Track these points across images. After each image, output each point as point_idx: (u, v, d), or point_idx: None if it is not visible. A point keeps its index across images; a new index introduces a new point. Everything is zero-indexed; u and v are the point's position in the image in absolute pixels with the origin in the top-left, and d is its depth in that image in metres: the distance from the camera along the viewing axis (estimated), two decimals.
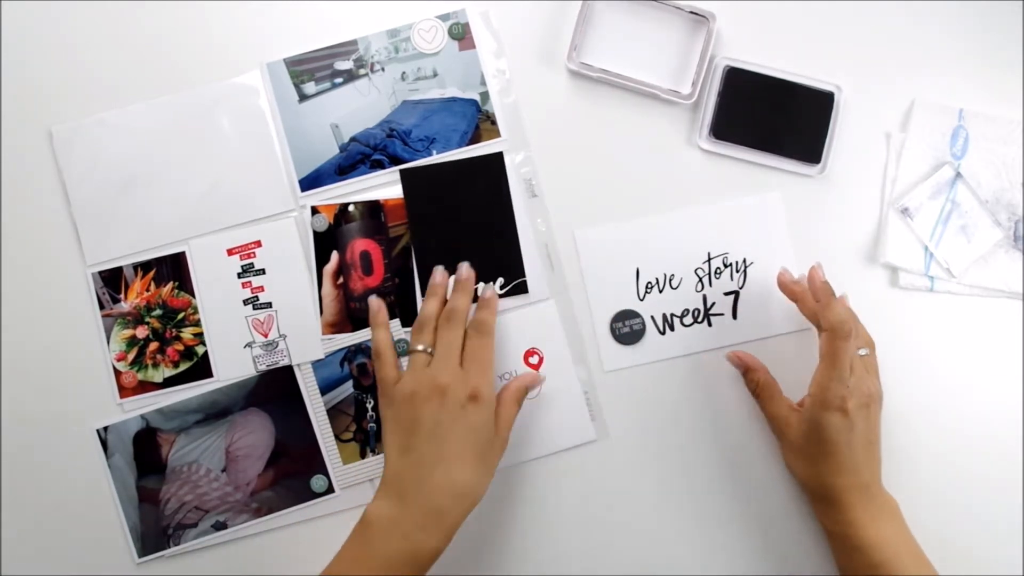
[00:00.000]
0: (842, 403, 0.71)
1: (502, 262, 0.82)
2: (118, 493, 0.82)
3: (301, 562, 0.81)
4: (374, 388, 0.81)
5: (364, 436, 0.82)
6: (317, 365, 0.82)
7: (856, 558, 0.73)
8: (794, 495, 0.81)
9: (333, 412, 0.82)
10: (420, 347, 0.75)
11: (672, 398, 0.82)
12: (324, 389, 0.82)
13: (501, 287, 0.82)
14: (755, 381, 0.79)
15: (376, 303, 0.79)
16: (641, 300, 0.82)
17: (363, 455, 0.82)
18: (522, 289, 0.82)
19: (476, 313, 0.77)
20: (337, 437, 0.82)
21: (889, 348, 0.81)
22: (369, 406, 0.82)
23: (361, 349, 0.82)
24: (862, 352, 0.76)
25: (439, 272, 0.79)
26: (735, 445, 0.81)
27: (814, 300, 0.75)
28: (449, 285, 0.79)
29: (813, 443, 0.73)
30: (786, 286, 0.79)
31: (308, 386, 0.82)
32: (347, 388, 0.82)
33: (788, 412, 0.77)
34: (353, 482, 0.82)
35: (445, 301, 0.78)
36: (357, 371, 0.82)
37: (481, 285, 0.81)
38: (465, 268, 0.79)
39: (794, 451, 0.76)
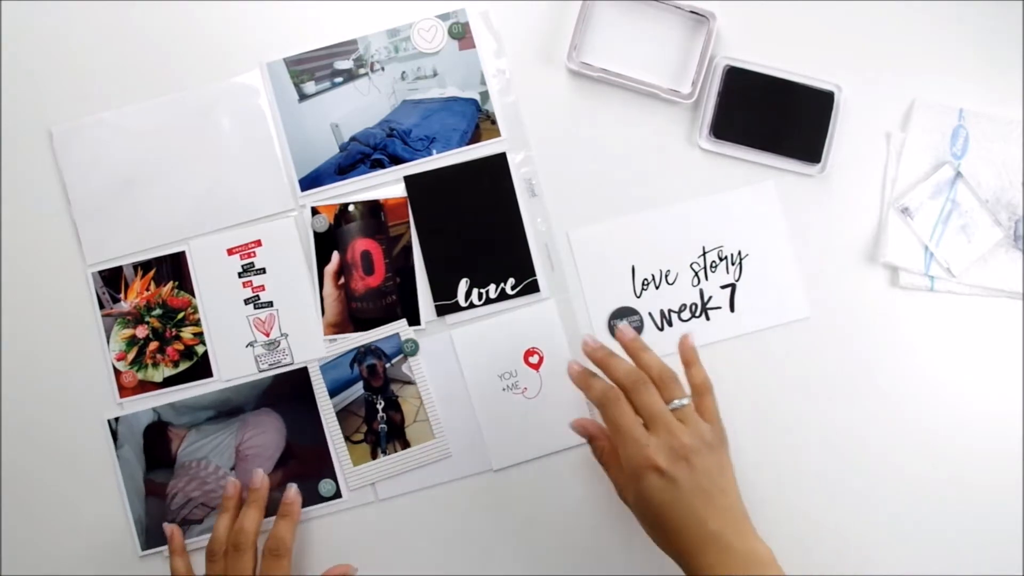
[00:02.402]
0: (650, 463, 0.67)
1: (511, 262, 0.82)
2: (125, 485, 0.82)
3: (304, 562, 0.82)
4: (384, 389, 0.81)
5: (375, 437, 0.82)
6: (327, 367, 0.82)
7: None
8: (798, 490, 0.81)
9: (343, 414, 0.82)
10: None
11: None
12: (334, 391, 0.82)
13: (512, 287, 0.82)
14: (600, 449, 0.75)
15: (168, 531, 0.80)
16: (638, 297, 0.82)
17: (374, 455, 0.82)
18: (533, 288, 0.82)
19: (273, 528, 0.78)
20: (347, 438, 0.82)
21: (889, 348, 0.82)
22: (379, 407, 0.82)
23: (371, 350, 0.82)
24: (675, 404, 0.70)
25: (231, 485, 0.80)
26: (736, 440, 0.81)
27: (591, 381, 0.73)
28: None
29: (644, 510, 0.69)
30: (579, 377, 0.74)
31: (318, 388, 0.82)
32: (357, 390, 0.82)
33: (620, 475, 0.73)
34: (363, 483, 0.82)
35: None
36: (367, 372, 0.82)
37: (290, 489, 0.80)
38: (259, 477, 0.80)
39: (640, 519, 0.71)
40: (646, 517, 0.70)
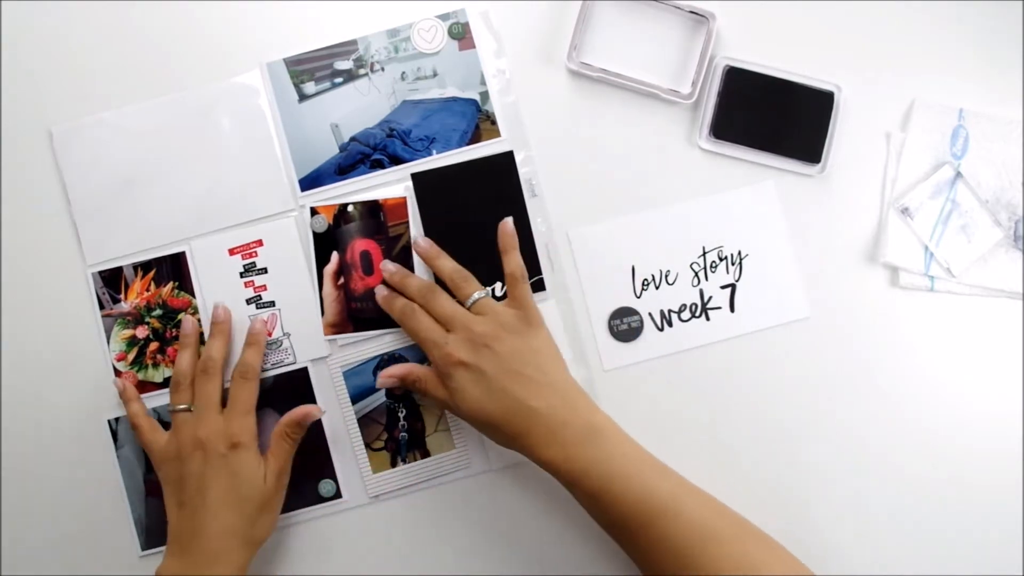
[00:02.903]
0: (454, 359, 0.71)
1: None
2: (126, 485, 0.82)
3: (305, 563, 0.82)
4: (406, 397, 0.82)
5: (396, 445, 0.82)
6: (349, 374, 0.82)
7: (581, 494, 0.70)
8: (798, 485, 0.81)
9: (364, 420, 0.82)
10: (181, 407, 0.77)
11: (672, 395, 0.82)
12: (356, 398, 0.82)
13: None
14: (414, 381, 0.76)
15: (120, 384, 0.80)
16: (638, 297, 0.82)
17: (394, 464, 0.82)
18: (539, 287, 0.82)
19: (242, 355, 0.79)
20: (368, 445, 0.82)
21: (889, 348, 0.82)
22: (401, 415, 0.82)
23: (395, 358, 0.82)
24: (470, 301, 0.75)
25: (188, 321, 0.80)
26: (736, 440, 0.81)
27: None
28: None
29: (470, 413, 0.72)
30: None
31: (340, 395, 0.82)
32: (379, 397, 0.82)
33: (438, 386, 0.75)
34: (384, 491, 0.82)
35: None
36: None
37: (256, 321, 0.81)
38: (221, 310, 0.80)
39: (476, 428, 0.74)
40: (473, 417, 0.72)
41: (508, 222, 0.78)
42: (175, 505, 0.75)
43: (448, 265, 0.78)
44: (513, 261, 0.77)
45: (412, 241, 0.79)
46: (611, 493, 0.68)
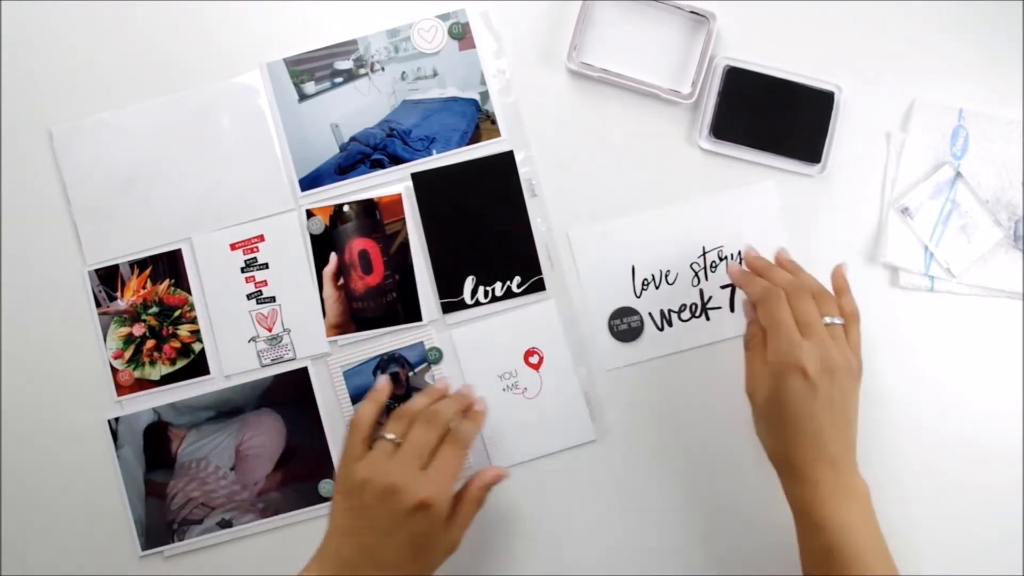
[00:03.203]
0: (799, 364, 0.68)
1: (518, 261, 0.82)
2: (125, 485, 0.82)
3: (305, 563, 0.81)
4: (406, 398, 0.82)
5: (395, 446, 0.81)
6: (349, 373, 0.82)
7: (814, 538, 0.69)
8: None
9: None
10: (389, 436, 0.73)
11: (672, 395, 0.82)
12: (356, 398, 0.82)
13: (518, 285, 0.82)
14: (753, 335, 0.74)
15: (383, 380, 0.80)
16: (638, 297, 0.82)
17: None
18: (539, 287, 0.82)
19: (463, 422, 0.75)
20: (368, 446, 0.81)
21: (889, 348, 0.81)
22: None
23: (395, 358, 0.82)
24: (828, 320, 0.71)
25: (442, 379, 0.81)
26: (736, 440, 0.81)
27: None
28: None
29: (775, 408, 0.70)
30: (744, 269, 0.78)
31: (340, 394, 0.82)
32: None
33: (761, 368, 0.72)
34: None
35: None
36: (390, 380, 0.82)
37: (478, 397, 0.79)
38: (467, 386, 0.80)
39: (760, 417, 0.72)
40: (771, 414, 0.71)
41: (842, 267, 0.76)
42: (343, 528, 0.72)
43: (813, 279, 0.74)
44: (851, 303, 0.74)
45: (749, 252, 0.78)
46: (844, 555, 0.68)
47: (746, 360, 0.74)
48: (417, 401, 0.77)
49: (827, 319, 0.71)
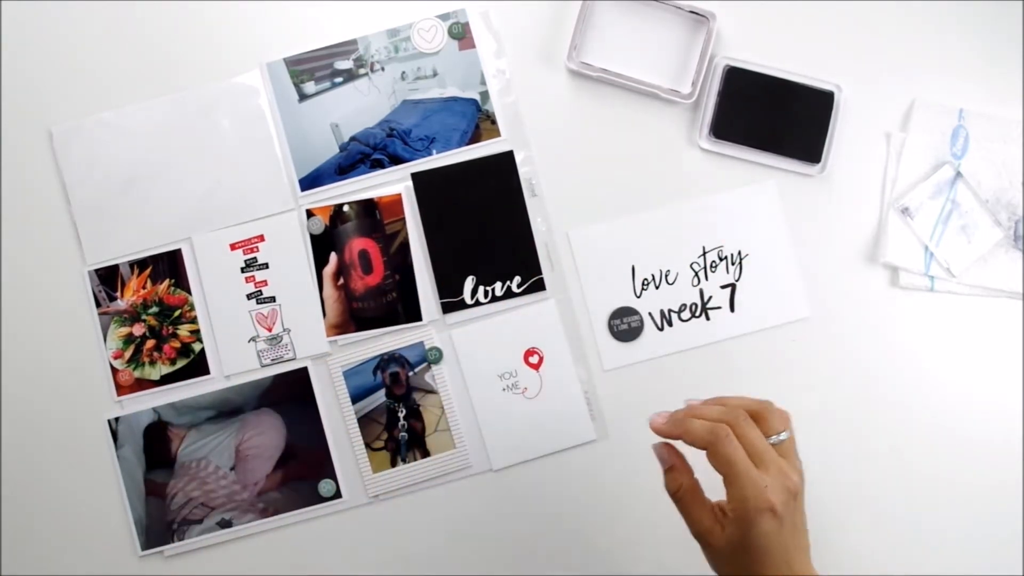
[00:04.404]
0: (768, 506, 0.62)
1: (518, 261, 0.82)
2: (125, 485, 0.82)
3: (305, 563, 0.82)
4: (406, 397, 0.82)
5: (396, 445, 0.82)
6: (349, 373, 0.82)
7: None
8: None
9: (364, 420, 0.82)
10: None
11: (672, 395, 0.81)
12: (356, 397, 0.82)
13: (518, 285, 0.82)
14: (678, 483, 0.67)
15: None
16: (638, 297, 0.82)
17: (394, 464, 0.82)
18: (539, 287, 0.82)
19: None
20: (368, 445, 0.82)
21: (889, 348, 0.81)
22: (401, 415, 0.82)
23: (395, 358, 0.82)
24: (776, 438, 0.66)
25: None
26: None
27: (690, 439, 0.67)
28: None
29: (742, 552, 0.64)
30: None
31: (340, 394, 0.82)
32: (379, 397, 0.82)
33: (712, 524, 0.66)
34: (384, 491, 0.82)
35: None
36: (390, 380, 0.82)
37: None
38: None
39: (720, 558, 0.66)
40: (737, 557, 0.65)
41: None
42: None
43: (746, 399, 0.68)
44: (694, 432, 0.65)
45: (654, 420, 0.68)
46: None
47: (683, 510, 0.67)
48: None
49: (774, 438, 0.66)
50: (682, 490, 0.67)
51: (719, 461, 0.64)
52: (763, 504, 0.62)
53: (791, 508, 0.64)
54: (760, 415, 0.66)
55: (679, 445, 0.67)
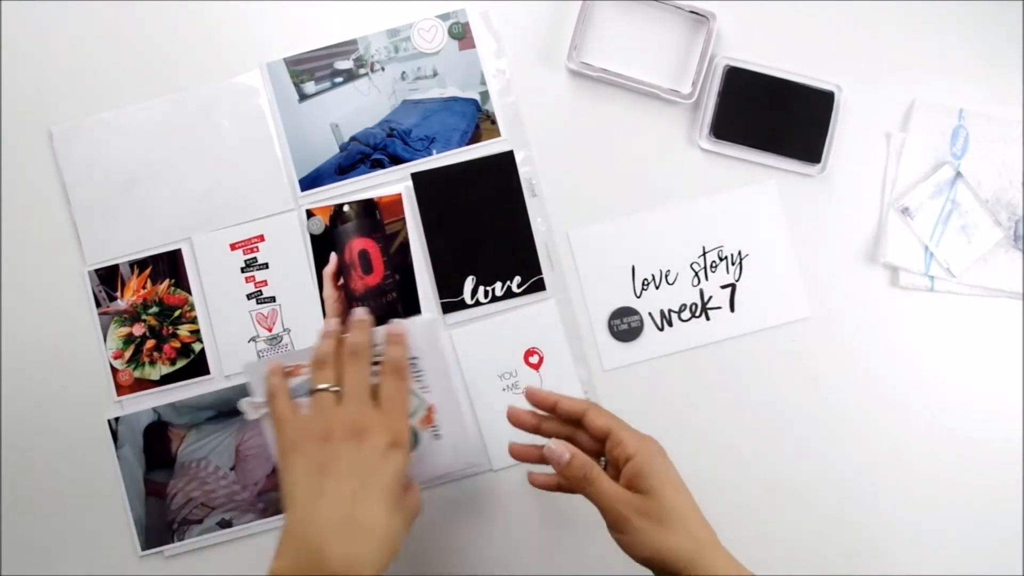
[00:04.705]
0: (657, 445, 0.68)
1: (518, 260, 0.82)
2: (125, 485, 0.82)
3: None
4: None
5: (335, 394, 0.81)
6: None
7: None
8: (798, 489, 0.81)
9: None
10: (324, 385, 0.68)
11: (671, 395, 0.82)
12: None
13: (518, 285, 0.82)
14: (588, 464, 0.67)
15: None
16: (638, 297, 0.82)
17: None
18: (539, 287, 0.82)
19: (389, 350, 0.71)
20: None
21: (889, 348, 0.81)
22: None
23: None
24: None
25: (332, 320, 0.73)
26: (736, 440, 0.81)
27: (568, 414, 0.70)
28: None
29: (652, 500, 0.65)
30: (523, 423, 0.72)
31: None
32: None
33: (621, 491, 0.66)
34: None
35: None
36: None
37: (392, 323, 0.74)
38: (361, 310, 0.73)
39: (640, 530, 0.65)
40: (651, 510, 0.66)
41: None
42: (307, 493, 0.64)
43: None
44: (575, 403, 0.71)
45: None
46: None
47: (594, 490, 0.67)
48: (325, 344, 0.71)
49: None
50: (591, 469, 0.67)
51: (602, 420, 0.69)
52: (650, 443, 0.68)
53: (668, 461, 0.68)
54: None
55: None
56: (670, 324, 0.82)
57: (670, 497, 0.66)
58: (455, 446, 0.75)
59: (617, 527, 0.66)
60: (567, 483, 0.68)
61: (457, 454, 0.75)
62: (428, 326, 0.71)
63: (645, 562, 0.65)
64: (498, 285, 0.82)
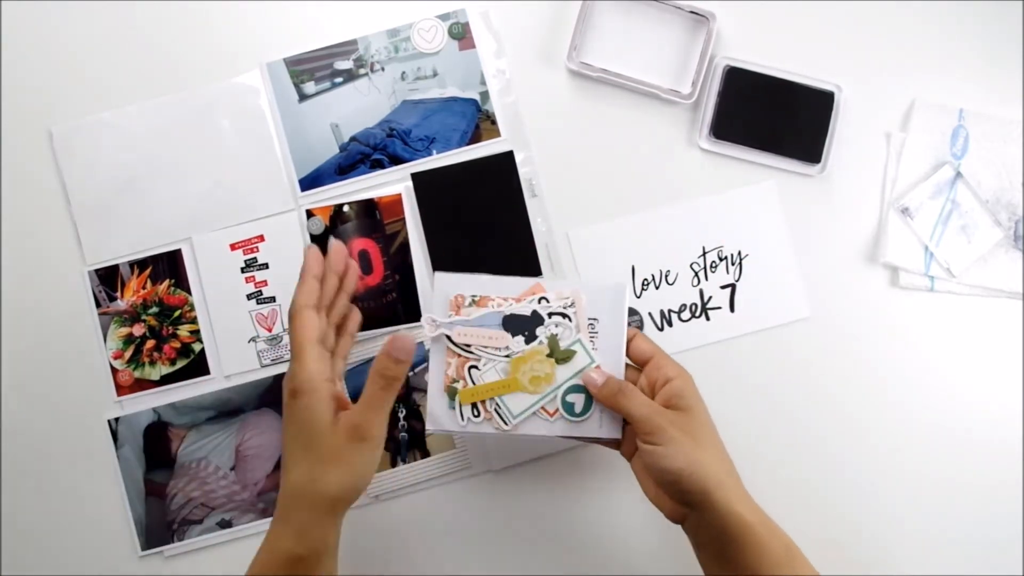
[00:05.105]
0: (692, 377, 0.69)
1: (518, 261, 0.82)
2: (125, 485, 0.82)
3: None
4: (406, 397, 0.82)
5: (396, 445, 0.81)
6: (349, 373, 0.81)
7: (742, 547, 0.65)
8: (798, 489, 0.81)
9: None
10: None
11: None
12: (356, 397, 0.81)
13: None
14: (609, 387, 0.69)
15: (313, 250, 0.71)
16: (638, 297, 0.82)
17: (394, 464, 0.81)
18: None
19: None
20: None
21: (889, 348, 0.81)
22: (401, 415, 0.82)
23: None
24: None
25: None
26: (736, 440, 0.81)
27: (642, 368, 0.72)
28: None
29: (689, 422, 0.67)
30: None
31: None
32: None
33: (653, 404, 0.68)
34: (384, 490, 0.81)
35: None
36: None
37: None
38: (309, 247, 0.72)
39: (670, 444, 0.65)
40: (694, 423, 0.68)
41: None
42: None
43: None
44: (642, 349, 0.72)
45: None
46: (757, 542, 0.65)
47: (625, 403, 0.68)
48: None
49: None
50: (625, 386, 0.69)
51: (647, 345, 0.71)
52: (688, 372, 0.69)
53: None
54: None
55: None
56: (670, 324, 0.82)
57: (706, 419, 0.69)
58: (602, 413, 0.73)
59: (652, 438, 0.66)
60: (605, 401, 0.70)
61: (601, 424, 0.73)
62: (617, 290, 0.71)
63: (675, 476, 0.65)
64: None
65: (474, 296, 0.72)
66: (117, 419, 0.82)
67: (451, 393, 0.71)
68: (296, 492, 0.66)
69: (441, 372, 0.71)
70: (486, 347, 0.71)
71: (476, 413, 0.71)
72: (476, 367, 0.71)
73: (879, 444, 0.81)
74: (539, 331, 0.71)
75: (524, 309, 0.71)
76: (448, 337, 0.71)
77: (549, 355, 0.71)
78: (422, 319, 0.73)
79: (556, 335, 0.71)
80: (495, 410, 0.71)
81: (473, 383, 0.71)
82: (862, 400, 0.81)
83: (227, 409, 0.82)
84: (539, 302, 0.71)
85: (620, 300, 0.71)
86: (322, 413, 0.66)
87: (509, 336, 0.71)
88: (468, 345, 0.71)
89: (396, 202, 0.82)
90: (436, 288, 0.72)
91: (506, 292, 0.72)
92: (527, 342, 0.71)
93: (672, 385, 0.68)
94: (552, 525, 0.81)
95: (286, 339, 0.82)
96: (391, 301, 0.82)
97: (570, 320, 0.71)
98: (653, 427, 0.66)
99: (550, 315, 0.71)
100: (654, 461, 0.66)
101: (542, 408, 0.71)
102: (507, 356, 0.71)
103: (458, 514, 0.82)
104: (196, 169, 0.82)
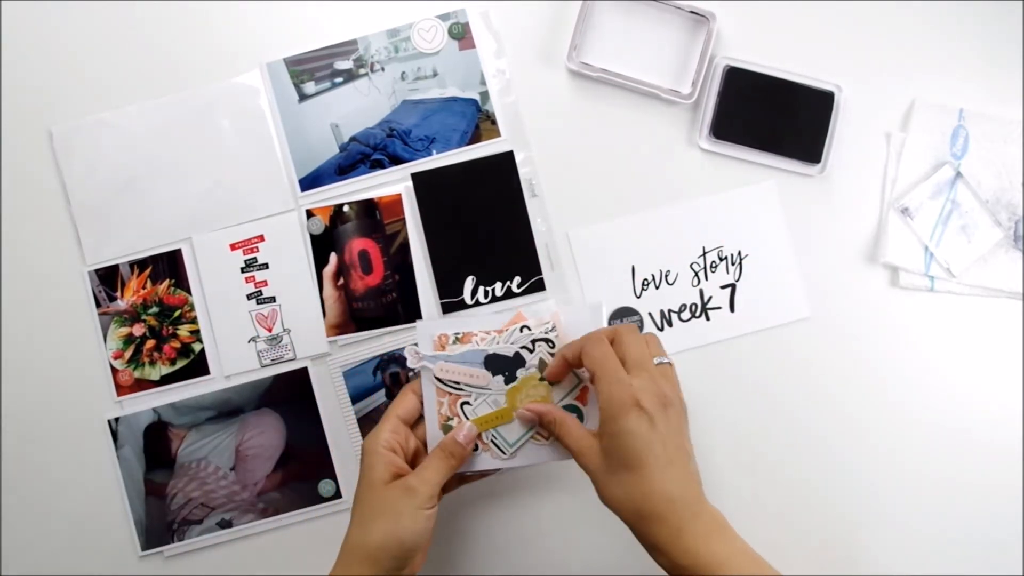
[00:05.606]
0: (633, 401, 0.64)
1: (518, 261, 0.82)
2: (125, 485, 0.82)
3: (305, 563, 0.82)
4: None
5: None
6: (349, 373, 0.82)
7: None
8: (798, 489, 0.81)
9: (364, 420, 0.82)
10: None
11: None
12: (356, 397, 0.82)
13: (518, 285, 0.82)
14: (552, 420, 0.69)
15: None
16: (638, 297, 0.82)
17: None
18: (539, 287, 0.82)
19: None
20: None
21: (889, 348, 0.81)
22: None
23: (395, 358, 0.82)
24: (658, 360, 0.68)
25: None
26: (736, 440, 0.81)
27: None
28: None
29: (616, 455, 0.65)
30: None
31: (339, 395, 0.82)
32: (380, 397, 0.82)
33: (585, 436, 0.67)
34: None
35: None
36: (390, 380, 0.82)
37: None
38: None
39: (603, 476, 0.66)
40: (613, 459, 0.65)
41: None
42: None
43: (628, 326, 0.70)
44: (580, 340, 0.70)
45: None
46: None
47: (562, 432, 0.69)
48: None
49: (656, 359, 0.68)
50: (554, 423, 0.69)
51: (588, 361, 0.67)
52: (627, 398, 0.64)
53: (663, 415, 0.65)
54: (650, 340, 0.70)
55: None
56: (670, 324, 0.82)
57: (631, 441, 0.66)
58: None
59: (590, 476, 0.68)
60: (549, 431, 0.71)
61: None
62: (595, 310, 0.72)
63: (615, 511, 0.67)
64: (498, 285, 0.82)
65: (456, 334, 0.73)
66: (117, 419, 0.82)
67: (446, 431, 0.71)
68: (349, 545, 0.69)
69: (435, 412, 0.72)
70: (470, 384, 0.72)
71: (475, 447, 0.71)
72: (468, 403, 0.72)
73: (879, 444, 0.81)
74: (519, 372, 0.72)
75: (506, 350, 0.72)
76: (437, 378, 0.72)
77: (542, 379, 0.72)
78: (406, 349, 0.74)
79: (545, 360, 0.72)
80: (491, 441, 0.72)
81: (467, 418, 0.72)
82: (862, 400, 0.81)
83: (227, 409, 0.82)
84: (521, 330, 0.72)
85: (598, 319, 0.72)
86: (379, 472, 0.69)
87: (490, 375, 0.72)
88: (456, 382, 0.72)
89: (396, 202, 0.82)
90: (419, 334, 0.73)
91: (487, 326, 0.73)
92: (507, 382, 0.72)
93: (603, 411, 0.66)
94: (553, 525, 0.81)
95: (286, 339, 0.82)
96: (391, 301, 0.82)
97: (552, 345, 0.72)
98: (583, 465, 0.67)
99: (534, 342, 0.72)
100: (599, 494, 0.67)
101: (536, 434, 0.72)
102: (489, 391, 0.72)
103: (458, 514, 0.82)
104: (196, 169, 0.82)
